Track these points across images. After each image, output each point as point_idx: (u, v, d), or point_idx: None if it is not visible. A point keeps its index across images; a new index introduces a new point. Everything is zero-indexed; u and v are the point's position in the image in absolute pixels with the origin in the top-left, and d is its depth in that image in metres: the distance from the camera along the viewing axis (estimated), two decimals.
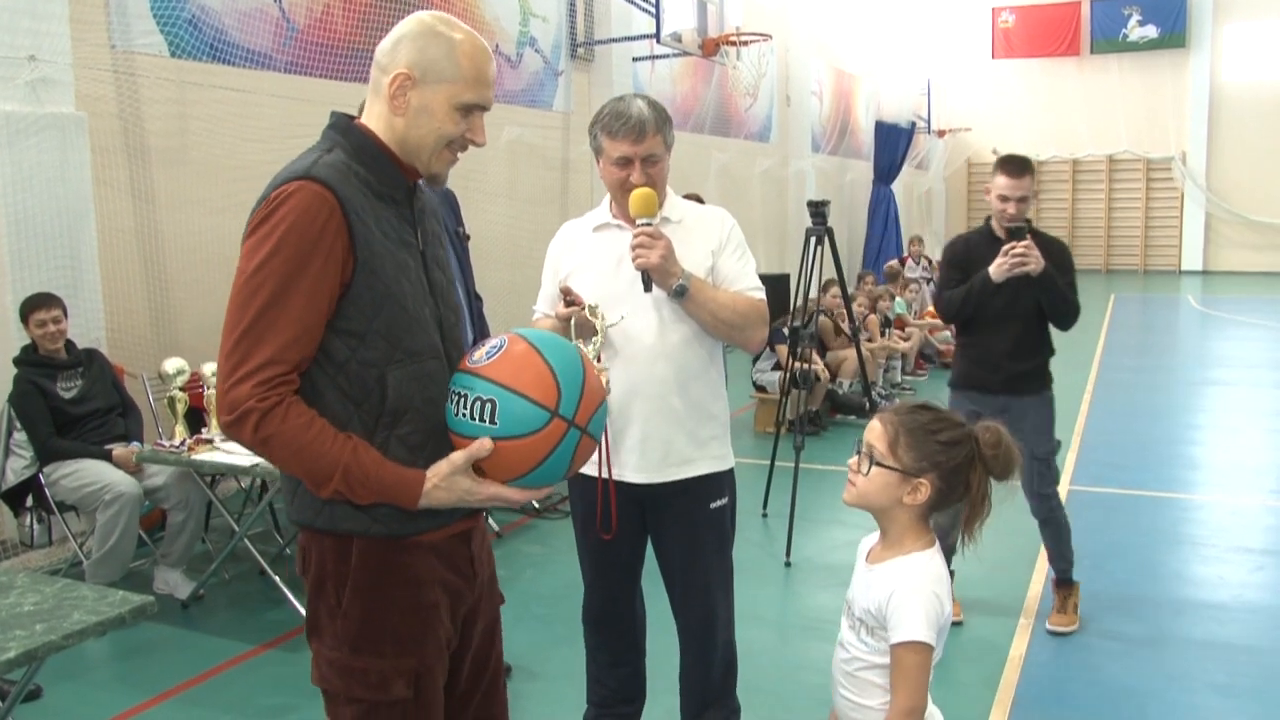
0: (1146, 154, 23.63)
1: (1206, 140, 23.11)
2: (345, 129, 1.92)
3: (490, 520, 5.31)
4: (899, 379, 9.96)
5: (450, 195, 4.44)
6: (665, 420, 2.75)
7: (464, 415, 1.83)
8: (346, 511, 1.85)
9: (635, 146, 2.68)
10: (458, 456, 1.82)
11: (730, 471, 2.92)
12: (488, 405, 1.80)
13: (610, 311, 2.62)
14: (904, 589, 1.92)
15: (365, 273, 1.82)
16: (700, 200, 7.26)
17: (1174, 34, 23.07)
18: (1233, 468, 6.98)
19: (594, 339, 2.32)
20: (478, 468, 1.84)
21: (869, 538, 2.13)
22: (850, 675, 2.01)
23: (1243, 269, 23.03)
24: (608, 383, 2.25)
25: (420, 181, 2.00)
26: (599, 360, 2.31)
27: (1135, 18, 23.37)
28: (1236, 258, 23.27)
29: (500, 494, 1.86)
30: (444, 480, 1.82)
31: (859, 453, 2.02)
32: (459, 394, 1.84)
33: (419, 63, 1.86)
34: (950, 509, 1.98)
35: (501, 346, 1.86)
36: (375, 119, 1.92)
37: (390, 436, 1.86)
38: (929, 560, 1.96)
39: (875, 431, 2.00)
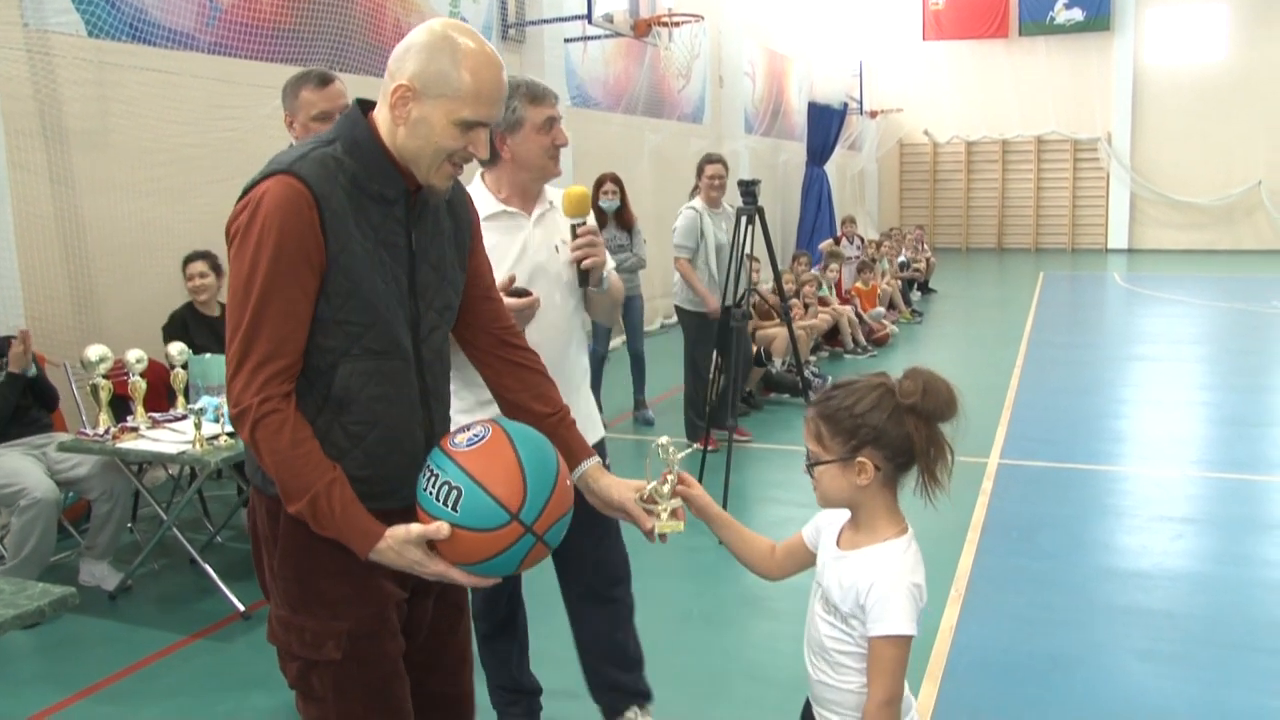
0: (1074, 135, 24.05)
1: (1131, 122, 23.60)
2: (355, 121, 1.94)
3: None
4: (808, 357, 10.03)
5: None
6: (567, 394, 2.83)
7: (431, 493, 1.87)
8: None
9: (555, 109, 2.81)
10: (415, 530, 1.85)
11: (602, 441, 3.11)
12: (454, 492, 1.84)
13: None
14: (885, 581, 1.87)
15: (334, 266, 1.86)
16: (619, 181, 7.33)
17: (1099, 17, 23.47)
18: (1156, 440, 7.16)
19: (669, 476, 2.10)
20: (432, 544, 1.87)
21: (825, 516, 2.07)
22: (826, 658, 1.97)
23: (1166, 247, 23.59)
24: (669, 514, 2.10)
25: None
26: (663, 499, 2.11)
27: (1062, 0, 23.74)
28: (1160, 236, 23.83)
29: (449, 573, 1.88)
30: (398, 544, 1.85)
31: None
32: (432, 472, 1.88)
33: (421, 75, 1.86)
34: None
35: (483, 436, 1.90)
36: (381, 122, 1.93)
37: (334, 422, 1.92)
38: (905, 548, 1.92)
39: (805, 434, 1.97)
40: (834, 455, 1.90)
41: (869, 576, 1.88)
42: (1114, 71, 23.63)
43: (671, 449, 2.09)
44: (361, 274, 1.88)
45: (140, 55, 6.17)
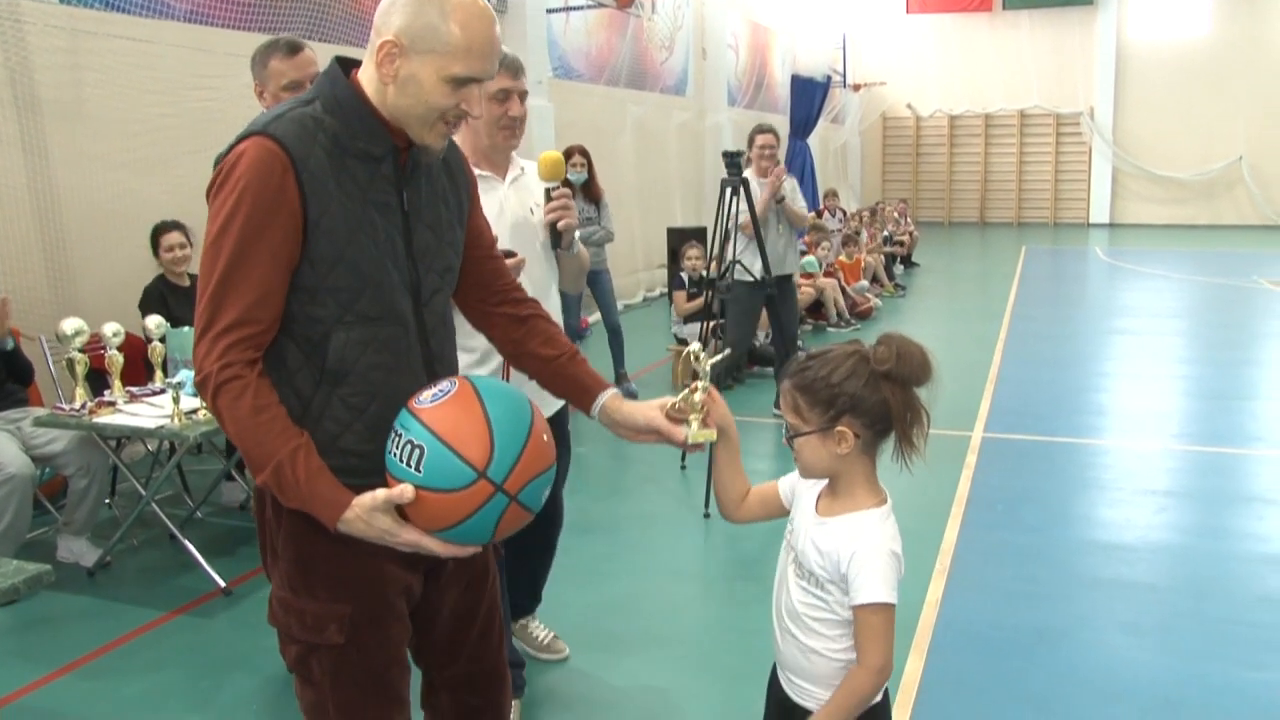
0: (1056, 109, 24.05)
1: (1113, 96, 23.61)
2: (334, 79, 1.86)
3: None
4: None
5: None
6: None
7: (395, 455, 1.77)
8: None
9: (514, 80, 2.85)
10: (380, 495, 1.74)
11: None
12: (417, 451, 1.73)
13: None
14: (865, 550, 1.87)
15: (315, 231, 1.78)
16: (587, 153, 7.31)
17: None
18: (1138, 414, 7.17)
19: (699, 383, 2.02)
20: (402, 512, 1.76)
21: (799, 481, 2.05)
22: (799, 623, 1.97)
23: (1147, 221, 23.66)
24: (691, 431, 2.02)
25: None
26: (694, 409, 2.01)
27: None
28: (1141, 210, 23.89)
29: (422, 542, 1.77)
30: (365, 513, 1.75)
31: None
32: (397, 432, 1.78)
33: (408, 30, 1.77)
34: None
35: (449, 391, 1.79)
36: (367, 81, 1.85)
37: (333, 395, 1.84)
38: (884, 519, 1.93)
39: (783, 406, 1.96)
40: (813, 426, 1.90)
41: (850, 545, 1.89)
42: (1097, 46, 23.61)
43: (703, 356, 2.03)
44: (346, 237, 1.80)
45: (114, 23, 6.06)
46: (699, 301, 8.44)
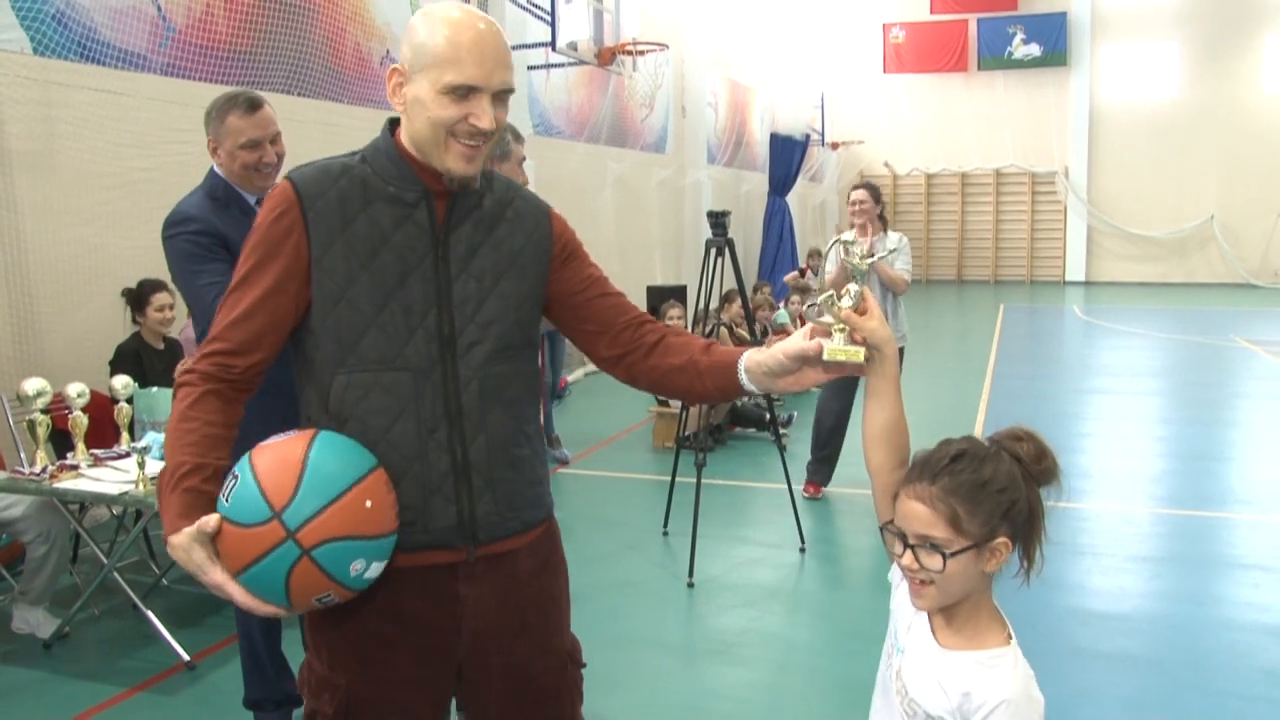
0: (1031, 168, 24.33)
1: (1087, 155, 23.94)
2: (382, 134, 1.92)
3: None
4: None
5: None
6: None
7: (222, 488, 1.70)
8: None
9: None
10: (194, 524, 1.65)
11: None
12: (233, 480, 1.67)
13: None
14: (1015, 704, 1.62)
15: (319, 268, 1.80)
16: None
17: (1055, 52, 23.82)
18: (1123, 476, 7.09)
19: (850, 286, 1.72)
20: (218, 549, 1.67)
21: (909, 610, 1.77)
22: None
23: (1122, 279, 23.87)
24: (831, 345, 1.73)
25: (476, 186, 1.89)
26: (843, 328, 1.73)
27: (1019, 36, 24.05)
28: (1116, 268, 24.11)
29: (224, 585, 1.66)
30: (187, 541, 1.64)
31: (909, 547, 1.64)
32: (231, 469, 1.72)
33: (408, 55, 1.82)
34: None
35: (291, 433, 1.75)
36: (401, 127, 1.89)
37: None
38: (1018, 656, 1.68)
39: (923, 518, 1.63)
40: (972, 541, 1.62)
41: (994, 692, 1.64)
42: (1070, 106, 23.97)
43: (856, 248, 1.73)
44: (348, 275, 1.80)
45: (89, 75, 5.96)
46: None
